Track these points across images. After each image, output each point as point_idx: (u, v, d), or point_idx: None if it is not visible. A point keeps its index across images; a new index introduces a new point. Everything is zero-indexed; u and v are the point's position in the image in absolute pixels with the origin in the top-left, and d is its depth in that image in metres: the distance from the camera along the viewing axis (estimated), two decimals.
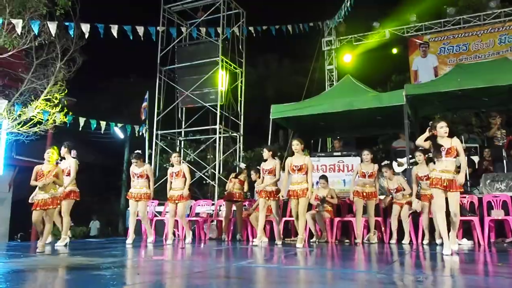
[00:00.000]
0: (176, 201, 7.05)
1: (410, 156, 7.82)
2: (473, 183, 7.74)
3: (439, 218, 4.83)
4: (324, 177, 7.51)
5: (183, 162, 8.08)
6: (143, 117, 11.52)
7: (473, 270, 3.88)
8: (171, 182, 7.17)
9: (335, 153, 9.15)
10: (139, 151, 7.15)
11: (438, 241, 6.24)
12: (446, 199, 4.79)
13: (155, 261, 4.87)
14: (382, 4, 15.18)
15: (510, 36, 11.41)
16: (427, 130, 4.96)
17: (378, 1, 15.66)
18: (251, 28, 11.45)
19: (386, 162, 7.38)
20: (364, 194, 6.81)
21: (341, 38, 13.26)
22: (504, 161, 8.24)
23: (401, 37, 12.53)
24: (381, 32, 12.64)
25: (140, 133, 11.43)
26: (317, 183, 7.49)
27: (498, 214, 6.51)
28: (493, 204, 6.72)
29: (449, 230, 4.82)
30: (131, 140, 18.24)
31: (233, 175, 8.22)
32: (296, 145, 6.43)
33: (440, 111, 10.40)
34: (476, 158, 8.87)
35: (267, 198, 6.54)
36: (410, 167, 7.60)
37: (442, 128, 4.84)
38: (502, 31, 11.51)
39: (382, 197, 7.28)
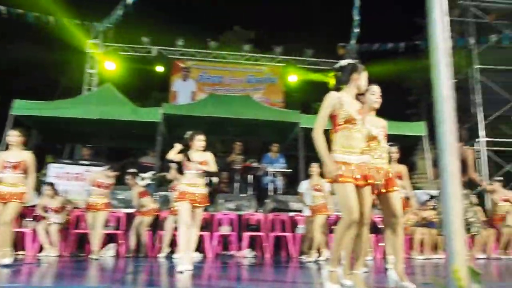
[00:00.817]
0: None
1: (154, 172, 8.21)
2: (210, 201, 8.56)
3: (182, 232, 4.67)
4: (50, 184, 7.21)
5: None
6: None
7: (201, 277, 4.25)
8: None
9: (82, 162, 8.74)
10: None
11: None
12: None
13: None
14: (154, 21, 15.55)
15: (257, 78, 13.32)
16: (182, 144, 4.94)
17: (151, 17, 15.96)
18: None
19: (132, 170, 7.56)
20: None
21: (107, 44, 12.91)
22: (238, 183, 9.43)
23: (166, 57, 13.05)
24: (148, 49, 12.88)
25: None
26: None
27: (225, 230, 7.40)
28: (222, 221, 7.59)
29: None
30: None
31: None
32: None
33: None
34: (215, 179, 9.84)
35: None
36: (153, 182, 7.94)
37: (200, 141, 4.86)
38: (251, 72, 13.34)
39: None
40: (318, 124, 3.07)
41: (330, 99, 3.08)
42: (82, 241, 7.11)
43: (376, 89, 3.59)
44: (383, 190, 3.41)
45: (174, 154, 5.00)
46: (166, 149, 9.70)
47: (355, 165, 3.00)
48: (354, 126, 3.06)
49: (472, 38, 11.22)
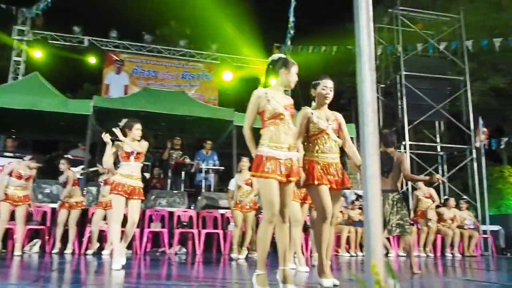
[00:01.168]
0: None
1: (83, 166, 8.00)
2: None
3: (114, 227, 4.52)
4: None
5: None
6: None
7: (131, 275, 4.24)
8: None
9: (6, 153, 8.31)
10: None
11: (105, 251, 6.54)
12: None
13: None
14: (87, 10, 14.99)
15: (191, 74, 13.29)
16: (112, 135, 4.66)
17: (83, 6, 15.36)
18: None
19: (68, 156, 7.36)
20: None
21: (36, 31, 12.26)
22: (169, 180, 9.41)
23: (99, 48, 12.64)
24: (80, 38, 12.40)
25: None
26: None
27: (155, 226, 7.38)
28: (153, 217, 7.57)
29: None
30: None
31: None
32: None
33: None
34: (147, 175, 9.75)
35: None
36: (82, 176, 7.74)
37: (137, 130, 4.68)
38: (185, 68, 13.28)
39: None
40: (247, 120, 3.11)
41: (257, 95, 3.10)
42: (5, 237, 6.77)
43: (328, 83, 3.49)
44: (335, 187, 3.40)
45: (109, 156, 4.65)
46: (97, 143, 9.57)
47: (281, 160, 2.99)
48: (281, 121, 3.04)
49: (399, 46, 11.96)
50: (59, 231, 6.78)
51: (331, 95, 3.51)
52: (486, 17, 16.70)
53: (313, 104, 3.60)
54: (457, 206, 9.22)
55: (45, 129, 10.03)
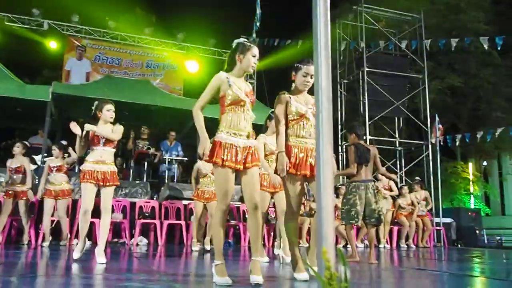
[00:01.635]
0: None
1: (46, 154, 7.74)
2: None
3: (81, 217, 4.23)
4: None
5: None
6: None
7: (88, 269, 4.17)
8: None
9: None
10: None
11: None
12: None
13: None
14: None
15: (156, 63, 13.09)
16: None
17: None
18: None
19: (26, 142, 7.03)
20: None
21: None
22: (131, 170, 9.27)
23: (60, 33, 12.23)
24: (39, 22, 11.94)
25: None
26: None
27: (117, 217, 7.28)
28: (114, 207, 7.44)
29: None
30: None
31: None
32: None
33: (87, 116, 10.67)
34: None
35: None
36: (43, 165, 7.51)
37: (109, 111, 4.33)
38: (150, 57, 13.07)
39: None
40: (200, 100, 2.99)
41: (219, 78, 2.98)
42: None
43: (310, 70, 3.23)
44: (307, 173, 3.18)
45: (80, 146, 4.33)
46: (56, 131, 9.30)
47: (238, 148, 2.90)
48: (241, 108, 2.95)
49: (363, 42, 12.20)
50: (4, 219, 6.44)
51: (311, 82, 3.26)
52: (446, 18, 17.34)
53: (292, 87, 3.41)
54: (412, 191, 9.49)
55: (0, 115, 9.64)
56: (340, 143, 12.96)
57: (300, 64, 3.28)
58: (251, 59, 2.99)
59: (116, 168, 4.46)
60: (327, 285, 1.13)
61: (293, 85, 3.39)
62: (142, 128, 9.83)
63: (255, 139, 3.18)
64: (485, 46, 11.84)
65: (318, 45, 1.41)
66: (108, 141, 4.30)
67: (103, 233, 4.25)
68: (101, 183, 4.22)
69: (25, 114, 9.15)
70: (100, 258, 4.11)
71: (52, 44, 12.33)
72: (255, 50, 3.01)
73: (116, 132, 4.37)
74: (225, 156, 2.85)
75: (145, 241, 7.60)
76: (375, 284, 3.21)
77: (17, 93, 8.10)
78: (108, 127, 4.34)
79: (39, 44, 12.45)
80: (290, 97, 3.29)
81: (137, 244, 7.29)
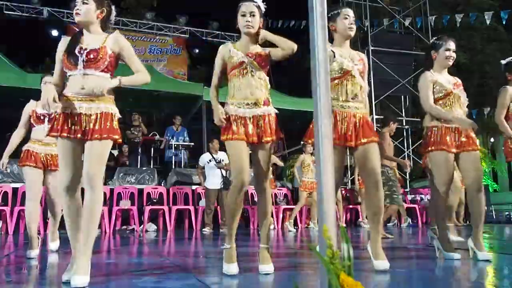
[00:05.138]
0: None
1: None
2: (109, 176, 8.34)
3: (30, 206, 3.70)
4: None
5: None
6: None
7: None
8: None
9: None
10: None
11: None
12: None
13: None
14: None
15: (158, 48, 12.98)
16: None
17: None
18: None
19: None
20: None
21: None
22: (139, 156, 9.26)
23: (60, 20, 12.13)
24: (38, 9, 11.83)
25: None
26: None
27: (125, 204, 7.30)
28: (122, 195, 7.48)
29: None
30: None
31: None
32: None
33: None
34: (115, 152, 9.57)
35: None
36: None
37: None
38: (153, 42, 12.96)
39: None
40: (213, 78, 2.81)
41: (219, 52, 2.80)
42: None
43: (349, 12, 2.86)
44: (352, 143, 2.76)
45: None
46: None
47: (247, 119, 2.61)
48: (243, 71, 2.65)
49: (367, 21, 12.01)
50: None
51: (354, 26, 2.88)
52: None
53: (334, 40, 2.94)
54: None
55: (1, 105, 9.63)
56: None
57: (335, 10, 2.90)
58: (241, 19, 2.70)
59: None
60: (329, 264, 1.09)
61: (334, 38, 2.94)
62: (133, 114, 9.63)
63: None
64: (487, 22, 11.54)
65: (314, 13, 1.28)
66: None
67: (55, 223, 3.96)
68: (46, 167, 3.75)
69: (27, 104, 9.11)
70: (53, 244, 3.90)
71: (53, 32, 12.24)
72: (244, 8, 2.69)
73: None
74: (235, 130, 2.58)
75: (154, 227, 7.63)
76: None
77: (18, 82, 8.07)
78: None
79: (39, 32, 12.37)
80: (333, 51, 2.85)
81: (146, 231, 7.33)
